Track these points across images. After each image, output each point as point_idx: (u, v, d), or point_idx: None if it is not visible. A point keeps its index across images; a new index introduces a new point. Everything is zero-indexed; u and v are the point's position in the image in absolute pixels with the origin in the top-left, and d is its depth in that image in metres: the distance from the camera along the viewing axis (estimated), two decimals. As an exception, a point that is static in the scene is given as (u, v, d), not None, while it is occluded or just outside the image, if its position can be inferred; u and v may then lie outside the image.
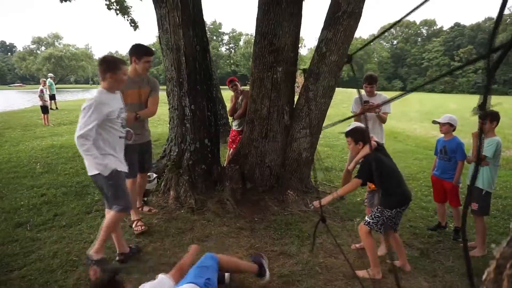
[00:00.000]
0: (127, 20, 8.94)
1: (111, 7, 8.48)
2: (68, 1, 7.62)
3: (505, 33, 45.38)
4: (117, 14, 8.62)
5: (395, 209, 2.82)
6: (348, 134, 3.08)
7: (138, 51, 3.44)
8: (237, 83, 5.38)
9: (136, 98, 3.49)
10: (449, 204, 3.80)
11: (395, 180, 2.88)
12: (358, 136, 3.03)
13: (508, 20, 52.42)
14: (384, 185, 2.85)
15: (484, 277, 0.46)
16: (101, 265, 2.59)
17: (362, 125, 3.36)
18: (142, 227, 3.51)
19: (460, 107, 22.22)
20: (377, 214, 2.84)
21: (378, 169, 2.77)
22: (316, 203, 2.80)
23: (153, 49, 4.46)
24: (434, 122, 3.83)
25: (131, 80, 3.42)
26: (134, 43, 3.53)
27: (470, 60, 0.72)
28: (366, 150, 2.92)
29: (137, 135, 3.56)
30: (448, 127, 3.65)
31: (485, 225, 3.46)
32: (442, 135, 3.77)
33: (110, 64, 2.77)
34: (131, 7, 8.89)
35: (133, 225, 3.55)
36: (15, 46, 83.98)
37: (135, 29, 9.21)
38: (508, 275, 0.41)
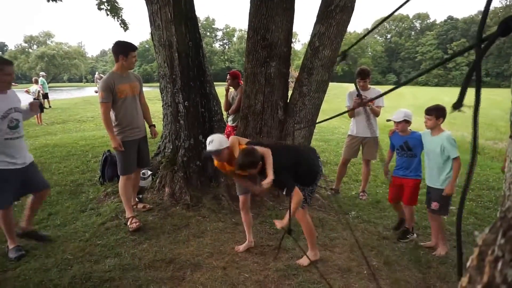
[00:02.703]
0: (118, 20, 8.77)
1: (101, 7, 8.33)
2: (54, 1, 7.50)
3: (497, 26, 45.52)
4: (107, 14, 8.46)
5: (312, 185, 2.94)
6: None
7: (124, 48, 3.49)
8: (239, 82, 5.07)
9: (130, 91, 3.55)
10: (403, 202, 3.56)
11: (303, 167, 2.84)
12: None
13: (500, 12, 52.67)
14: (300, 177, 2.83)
15: (468, 264, 0.47)
16: None
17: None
18: (137, 224, 3.51)
19: (453, 100, 22.25)
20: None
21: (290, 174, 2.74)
22: (278, 223, 2.76)
23: (146, 46, 4.43)
24: (388, 120, 3.61)
25: (120, 75, 3.50)
26: (116, 41, 3.57)
27: (458, 51, 0.72)
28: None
29: (135, 130, 3.64)
30: (404, 124, 3.44)
31: (443, 223, 3.39)
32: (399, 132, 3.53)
33: None
34: (122, 8, 8.73)
35: (128, 222, 3.54)
36: (6, 45, 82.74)
37: (125, 30, 9.06)
38: (490, 261, 0.41)
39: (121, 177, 3.65)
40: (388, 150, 3.83)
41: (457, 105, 0.63)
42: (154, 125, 3.94)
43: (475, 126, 0.66)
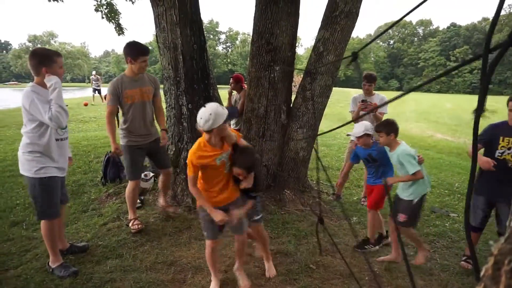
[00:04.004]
0: (113, 24, 8.71)
1: (99, 9, 8.30)
2: (56, 1, 7.52)
3: (501, 34, 45.67)
4: (102, 17, 8.40)
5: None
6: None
7: (133, 51, 3.28)
8: (242, 86, 5.08)
9: (139, 97, 3.39)
10: (367, 206, 3.43)
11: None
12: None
13: (504, 20, 52.73)
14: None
15: (482, 273, 0.47)
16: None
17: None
18: (139, 226, 3.50)
19: (455, 107, 22.36)
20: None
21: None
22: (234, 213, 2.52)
23: (150, 47, 4.44)
24: (348, 135, 3.49)
25: (129, 79, 3.36)
26: (128, 42, 3.37)
27: (466, 60, 0.72)
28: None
29: (142, 136, 3.50)
30: (366, 138, 3.23)
31: (414, 232, 3.14)
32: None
33: None
34: (121, 13, 8.67)
35: (130, 224, 3.54)
36: (11, 44, 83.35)
37: (119, 34, 8.97)
38: (506, 271, 0.41)
39: (129, 182, 3.57)
40: (348, 162, 3.69)
41: (479, 111, 0.64)
42: (166, 130, 3.76)
43: (475, 133, 0.66)
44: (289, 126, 4.38)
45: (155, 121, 3.70)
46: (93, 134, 8.84)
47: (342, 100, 20.37)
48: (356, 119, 4.57)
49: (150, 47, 4.06)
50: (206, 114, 2.25)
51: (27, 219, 3.76)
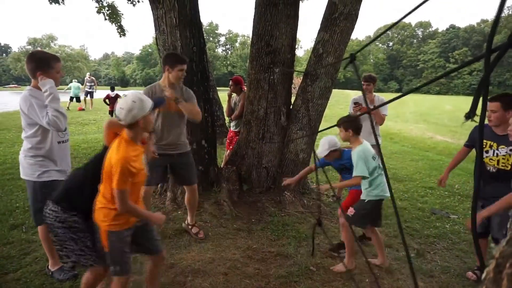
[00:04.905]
0: (115, 26, 8.75)
1: (101, 11, 8.33)
2: (57, 3, 7.54)
3: (500, 35, 45.76)
4: (105, 19, 8.45)
5: None
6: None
7: (171, 59, 3.29)
8: (242, 88, 5.04)
9: (168, 107, 3.26)
10: (343, 207, 3.28)
11: None
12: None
13: (502, 22, 52.87)
14: None
15: (483, 276, 0.47)
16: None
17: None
18: None
19: (455, 109, 22.36)
20: None
21: None
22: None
23: (149, 50, 4.44)
24: (316, 156, 3.20)
25: (161, 88, 3.29)
26: (166, 53, 3.37)
27: (467, 61, 0.72)
28: None
29: (166, 146, 3.32)
30: (332, 153, 3.18)
31: (351, 236, 3.04)
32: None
33: None
34: (123, 14, 8.71)
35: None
36: (10, 47, 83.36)
37: (120, 36, 9.02)
38: (508, 274, 0.41)
39: None
40: (313, 165, 3.52)
41: (470, 115, 0.63)
42: (179, 100, 3.33)
43: (481, 135, 0.66)
44: (289, 128, 4.38)
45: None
46: (93, 136, 8.83)
47: (341, 102, 20.38)
48: None
49: (149, 50, 4.04)
50: (128, 102, 1.93)
51: (27, 222, 3.75)
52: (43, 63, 2.56)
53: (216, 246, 3.37)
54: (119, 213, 1.99)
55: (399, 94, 1.02)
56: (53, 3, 7.48)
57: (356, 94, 4.45)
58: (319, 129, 4.60)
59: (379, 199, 2.96)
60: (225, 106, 5.12)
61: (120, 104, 1.95)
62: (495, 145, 2.74)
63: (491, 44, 0.68)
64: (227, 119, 5.21)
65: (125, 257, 2.09)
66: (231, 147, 5.11)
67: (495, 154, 2.75)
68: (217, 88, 9.46)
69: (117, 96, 11.16)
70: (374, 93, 4.57)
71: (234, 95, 5.13)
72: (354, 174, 2.85)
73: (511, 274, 0.41)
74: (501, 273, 0.42)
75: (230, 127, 5.38)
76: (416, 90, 1.11)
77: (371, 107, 4.29)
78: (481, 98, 0.66)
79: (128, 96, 1.98)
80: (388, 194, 2.98)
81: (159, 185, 4.39)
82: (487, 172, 2.78)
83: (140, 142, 2.11)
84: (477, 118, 0.64)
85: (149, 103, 2.01)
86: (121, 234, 2.05)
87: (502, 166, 2.70)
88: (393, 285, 2.84)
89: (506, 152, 2.68)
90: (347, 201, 3.35)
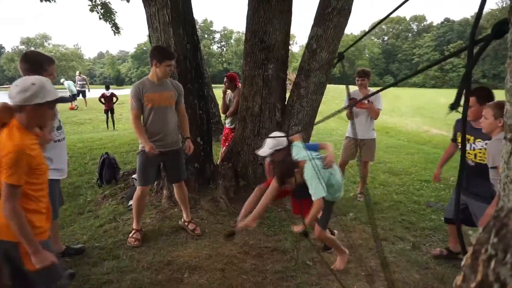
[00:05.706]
0: (109, 24, 8.68)
1: (94, 9, 8.26)
2: (48, 1, 7.47)
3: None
4: (100, 18, 8.38)
5: None
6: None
7: (159, 54, 3.23)
8: (237, 84, 5.02)
9: (160, 101, 3.29)
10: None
11: None
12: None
13: (497, 14, 52.98)
14: None
15: (462, 263, 0.48)
16: None
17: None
18: (135, 242, 3.29)
19: (450, 102, 22.43)
20: None
21: None
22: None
23: (144, 48, 4.42)
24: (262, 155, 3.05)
25: (151, 83, 3.29)
26: (155, 45, 3.30)
27: (450, 53, 0.73)
28: None
29: (160, 142, 3.32)
30: (277, 154, 2.86)
31: (330, 238, 3.05)
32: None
33: None
34: (116, 12, 8.64)
35: (130, 234, 3.38)
36: (3, 47, 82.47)
37: (115, 34, 8.96)
38: (483, 260, 0.42)
39: (137, 188, 3.44)
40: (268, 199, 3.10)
41: (454, 106, 0.64)
42: (189, 138, 3.56)
43: (464, 127, 0.67)
44: (284, 123, 4.39)
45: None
46: (88, 136, 8.80)
47: (337, 97, 20.40)
48: (351, 117, 4.60)
49: (144, 48, 4.03)
50: (28, 82, 1.69)
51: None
52: (36, 65, 2.55)
53: (213, 242, 3.38)
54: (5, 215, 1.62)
55: (386, 86, 1.03)
56: (43, 1, 7.42)
57: (352, 89, 4.44)
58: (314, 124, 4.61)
59: (331, 201, 2.86)
60: (220, 102, 5.11)
61: (17, 82, 1.72)
62: (472, 138, 2.74)
63: (474, 36, 0.69)
64: (222, 116, 5.20)
65: None
66: (226, 144, 5.12)
67: (472, 148, 2.76)
68: (213, 85, 9.45)
69: (113, 95, 11.11)
70: (369, 88, 4.59)
71: (229, 91, 5.13)
72: (313, 198, 2.57)
73: (486, 260, 0.42)
74: (477, 259, 0.43)
75: (225, 124, 5.38)
76: (409, 83, 1.12)
77: (364, 101, 4.31)
78: (464, 91, 0.67)
79: (32, 77, 1.75)
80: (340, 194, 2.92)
81: (155, 183, 4.39)
82: (467, 166, 2.79)
83: (33, 134, 1.81)
84: (461, 109, 0.65)
85: (51, 94, 1.73)
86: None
87: (479, 160, 2.70)
88: (389, 278, 2.86)
89: (482, 146, 2.68)
90: (304, 211, 2.76)
